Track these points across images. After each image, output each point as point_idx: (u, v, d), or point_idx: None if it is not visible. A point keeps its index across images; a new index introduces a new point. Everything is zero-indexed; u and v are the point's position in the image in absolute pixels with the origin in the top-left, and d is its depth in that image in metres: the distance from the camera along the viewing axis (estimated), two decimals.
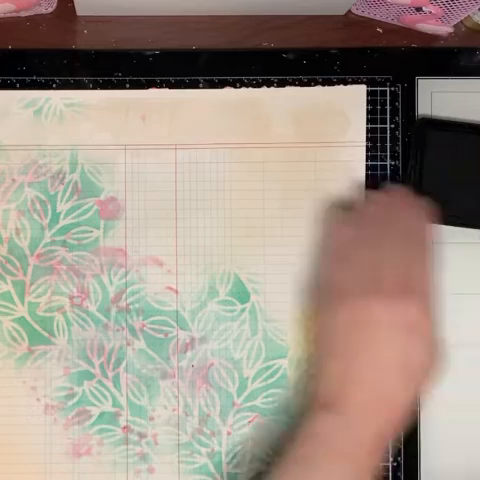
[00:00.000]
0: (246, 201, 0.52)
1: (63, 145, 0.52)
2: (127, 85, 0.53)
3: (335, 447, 0.41)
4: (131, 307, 0.52)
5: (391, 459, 0.52)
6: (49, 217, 0.52)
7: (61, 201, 0.52)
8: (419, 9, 0.50)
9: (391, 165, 0.53)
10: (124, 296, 0.52)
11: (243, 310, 0.52)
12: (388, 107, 0.53)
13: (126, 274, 0.52)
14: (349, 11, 0.54)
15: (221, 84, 0.53)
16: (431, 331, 0.42)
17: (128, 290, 0.52)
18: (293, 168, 0.53)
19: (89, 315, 0.51)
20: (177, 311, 0.52)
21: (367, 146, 0.53)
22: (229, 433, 0.52)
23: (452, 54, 0.54)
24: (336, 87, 0.53)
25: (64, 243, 0.52)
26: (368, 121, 0.53)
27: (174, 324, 0.52)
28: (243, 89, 0.52)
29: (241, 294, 0.52)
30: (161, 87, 0.53)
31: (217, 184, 0.52)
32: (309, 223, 0.52)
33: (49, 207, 0.52)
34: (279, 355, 0.52)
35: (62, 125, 0.52)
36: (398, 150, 0.53)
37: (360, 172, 0.53)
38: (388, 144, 0.53)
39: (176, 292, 0.52)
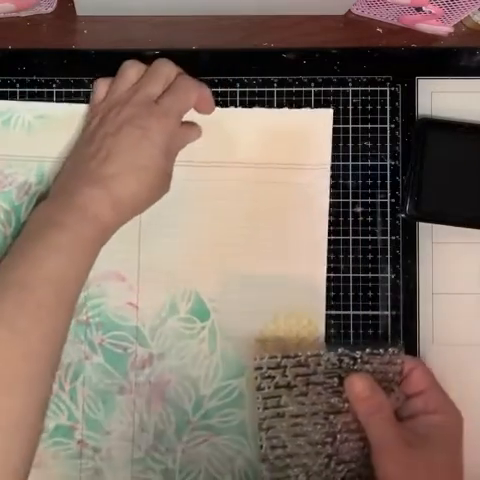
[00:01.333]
0: (209, 219, 0.52)
1: (30, 156, 0.52)
2: None
3: (56, 221, 0.44)
4: (91, 321, 0.51)
5: None
6: (13, 227, 0.51)
7: (25, 211, 0.51)
8: (419, 9, 0.50)
9: (391, 165, 0.53)
10: (85, 310, 0.51)
11: (203, 328, 0.51)
12: (388, 107, 0.53)
13: (87, 287, 0.51)
14: (349, 11, 0.54)
15: (221, 84, 0.53)
16: (162, 139, 0.47)
17: (89, 304, 0.51)
18: (258, 188, 0.52)
19: None
20: (137, 327, 0.51)
21: (367, 146, 0.53)
22: (183, 451, 0.51)
23: (452, 54, 0.54)
24: (303, 110, 0.53)
25: None
26: (368, 121, 0.53)
27: (133, 340, 0.51)
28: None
29: (201, 312, 0.52)
30: None
31: (182, 202, 0.51)
32: (273, 243, 0.52)
33: (13, 217, 0.51)
34: (236, 374, 0.51)
35: (30, 137, 0.52)
36: (398, 150, 0.53)
37: (324, 194, 0.52)
38: (388, 144, 0.53)
39: (137, 308, 0.51)
